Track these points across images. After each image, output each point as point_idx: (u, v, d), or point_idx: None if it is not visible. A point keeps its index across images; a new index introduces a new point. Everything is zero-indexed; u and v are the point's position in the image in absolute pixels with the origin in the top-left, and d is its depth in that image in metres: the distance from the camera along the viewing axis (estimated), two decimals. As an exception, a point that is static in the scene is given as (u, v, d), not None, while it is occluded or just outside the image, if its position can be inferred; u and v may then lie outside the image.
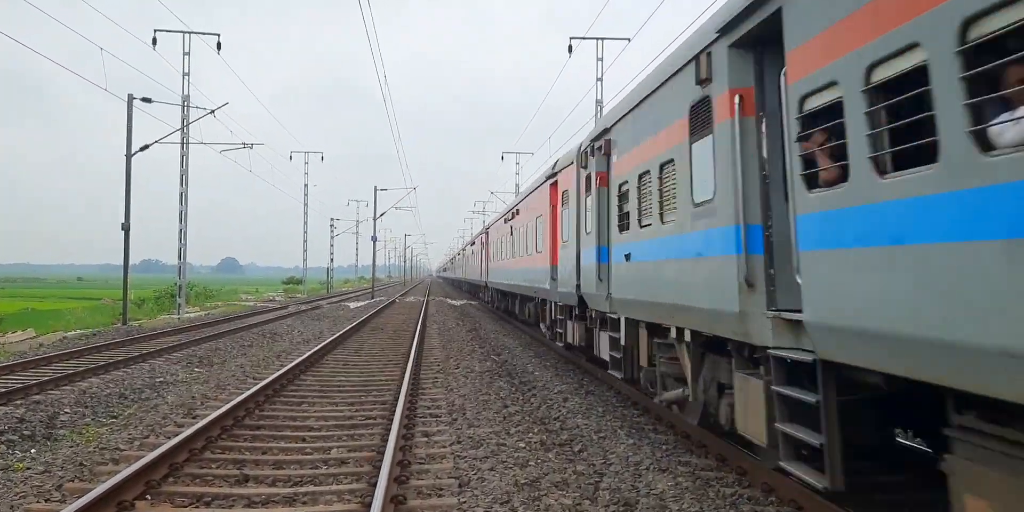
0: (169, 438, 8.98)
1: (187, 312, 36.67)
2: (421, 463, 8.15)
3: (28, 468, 8.01)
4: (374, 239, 56.57)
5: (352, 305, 45.47)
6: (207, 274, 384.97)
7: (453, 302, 49.31)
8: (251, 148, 35.89)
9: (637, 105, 9.56)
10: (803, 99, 5.29)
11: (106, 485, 6.45)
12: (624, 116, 10.24)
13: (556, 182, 16.21)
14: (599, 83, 30.31)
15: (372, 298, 55.88)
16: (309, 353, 16.90)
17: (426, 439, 9.26)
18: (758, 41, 6.32)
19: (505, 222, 26.36)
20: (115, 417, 10.98)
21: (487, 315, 35.50)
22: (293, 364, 14.78)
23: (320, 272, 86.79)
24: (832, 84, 4.90)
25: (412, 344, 19.12)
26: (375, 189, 55.18)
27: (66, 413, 10.96)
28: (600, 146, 11.41)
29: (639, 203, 9.46)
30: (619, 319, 10.88)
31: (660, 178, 8.58)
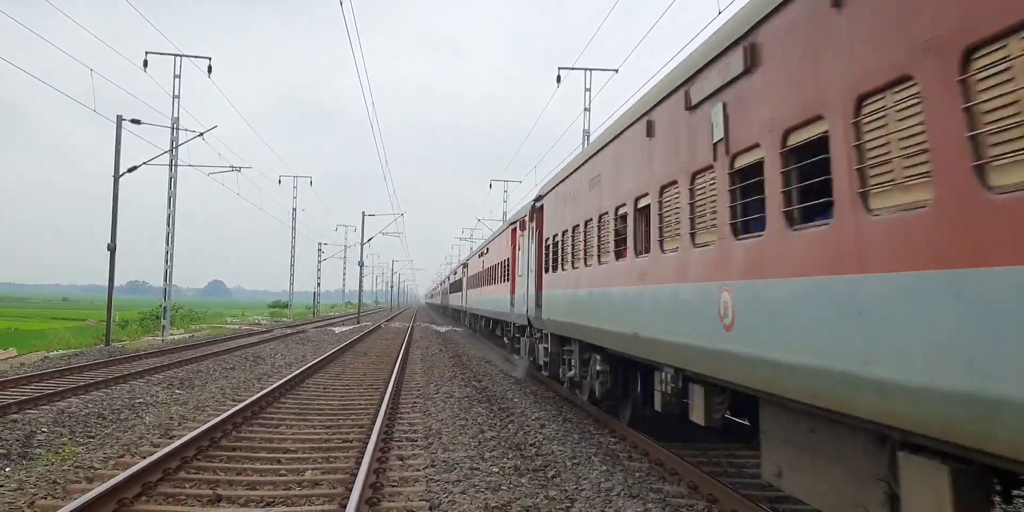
0: (144, 458, 9.01)
1: (171, 334, 36.52)
2: (394, 486, 8.21)
3: (1, 485, 8.02)
4: (361, 264, 56.63)
5: (337, 330, 45.41)
6: (194, 296, 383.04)
7: (438, 328, 49.31)
8: (239, 171, 36.03)
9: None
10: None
11: (77, 502, 6.50)
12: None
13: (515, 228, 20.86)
14: (586, 113, 30.71)
15: (358, 323, 55.79)
16: (290, 376, 16.92)
17: (401, 462, 9.32)
18: None
19: (479, 257, 33.77)
20: (92, 437, 10.99)
21: (471, 341, 35.52)
22: (273, 387, 14.81)
23: (307, 297, 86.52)
24: None
25: (394, 369, 19.16)
26: (363, 214, 55.39)
27: (43, 432, 10.96)
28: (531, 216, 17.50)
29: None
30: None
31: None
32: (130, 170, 29.89)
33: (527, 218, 17.70)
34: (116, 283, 30.42)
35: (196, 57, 33.53)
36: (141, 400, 14.36)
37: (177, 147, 33.39)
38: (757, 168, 5.54)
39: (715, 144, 6.30)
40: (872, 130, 4.23)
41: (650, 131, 8.24)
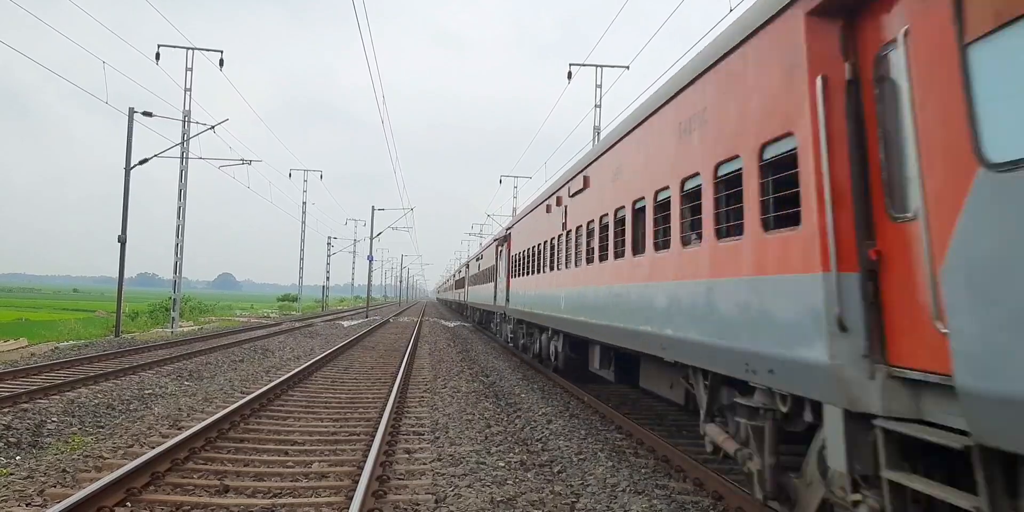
0: (153, 448, 9.07)
1: (181, 326, 36.66)
2: (400, 479, 8.25)
3: (11, 473, 8.10)
4: (370, 258, 56.69)
5: (346, 324, 45.51)
6: (203, 289, 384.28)
7: (447, 323, 49.36)
8: (249, 164, 36.11)
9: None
10: None
11: (87, 491, 6.56)
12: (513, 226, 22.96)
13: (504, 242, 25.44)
14: (597, 109, 30.65)
15: (366, 317, 55.91)
16: (298, 369, 16.99)
17: (407, 456, 9.36)
18: None
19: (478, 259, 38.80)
20: (102, 427, 11.07)
21: (479, 336, 35.56)
22: (281, 379, 14.87)
23: (316, 290, 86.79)
24: None
25: (401, 363, 19.20)
26: (372, 209, 55.43)
27: (53, 422, 11.04)
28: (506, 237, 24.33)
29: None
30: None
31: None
32: (141, 162, 30.01)
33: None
34: (126, 275, 30.56)
35: (208, 50, 33.60)
36: (150, 391, 14.44)
37: (188, 140, 33.47)
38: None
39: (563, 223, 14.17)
40: None
41: (548, 210, 15.78)
